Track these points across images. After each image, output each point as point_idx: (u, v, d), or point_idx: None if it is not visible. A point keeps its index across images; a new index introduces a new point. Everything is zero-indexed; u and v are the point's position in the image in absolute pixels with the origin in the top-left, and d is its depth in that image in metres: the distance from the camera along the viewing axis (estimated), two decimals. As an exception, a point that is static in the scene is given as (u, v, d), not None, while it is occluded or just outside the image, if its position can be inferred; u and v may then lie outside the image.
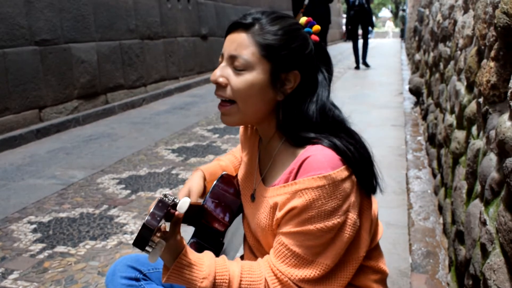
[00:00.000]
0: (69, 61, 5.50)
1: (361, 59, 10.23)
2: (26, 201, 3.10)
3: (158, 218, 0.86)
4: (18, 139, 4.54)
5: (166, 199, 0.90)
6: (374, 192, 1.03)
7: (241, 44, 0.98)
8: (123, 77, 6.51)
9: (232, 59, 0.98)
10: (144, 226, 0.85)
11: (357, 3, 9.77)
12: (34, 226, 2.71)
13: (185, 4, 8.19)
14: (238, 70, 0.98)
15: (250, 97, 0.98)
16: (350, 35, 23.33)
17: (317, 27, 1.04)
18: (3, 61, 4.60)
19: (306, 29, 1.03)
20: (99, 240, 2.51)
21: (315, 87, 1.01)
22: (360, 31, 10.39)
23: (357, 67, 10.14)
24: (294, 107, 1.00)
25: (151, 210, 0.87)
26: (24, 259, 2.34)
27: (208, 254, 0.99)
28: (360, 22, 10.07)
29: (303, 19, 1.04)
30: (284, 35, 0.98)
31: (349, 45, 19.26)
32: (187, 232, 1.19)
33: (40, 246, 2.47)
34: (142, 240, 0.86)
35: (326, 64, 1.05)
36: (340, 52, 15.08)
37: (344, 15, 23.13)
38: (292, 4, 9.22)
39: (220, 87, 1.00)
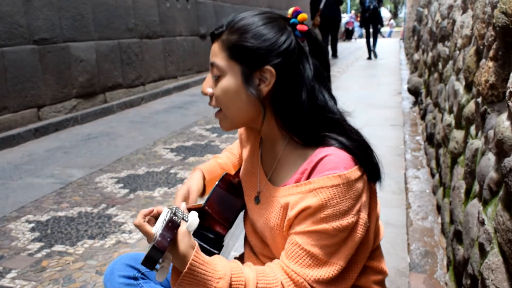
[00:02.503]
0: (68, 60, 5.49)
1: (372, 49, 12.28)
2: (24, 200, 3.09)
3: (168, 239, 0.86)
4: (17, 138, 4.53)
5: (175, 217, 0.89)
6: (379, 179, 1.02)
7: (214, 52, 1.00)
8: (121, 76, 6.51)
9: (212, 68, 1.00)
10: (154, 247, 0.85)
11: (371, 7, 11.87)
12: (32, 225, 2.71)
13: (184, 3, 8.18)
14: (216, 78, 0.99)
15: (229, 102, 0.99)
16: (349, 35, 24.29)
17: (302, 16, 1.00)
18: (2, 60, 4.59)
19: (292, 20, 1.00)
20: (97, 239, 2.51)
21: (300, 79, 0.97)
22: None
23: (370, 58, 12.13)
24: (283, 102, 0.98)
25: (161, 232, 0.86)
26: (22, 258, 2.33)
27: (217, 256, 0.97)
28: (372, 22, 12.21)
29: (290, 10, 1.02)
30: (248, 33, 0.96)
31: (348, 44, 19.37)
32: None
33: (38, 245, 2.46)
34: (152, 261, 0.86)
35: (317, 53, 1.02)
36: (340, 51, 15.03)
37: (344, 16, 23.23)
38: (310, 7, 10.72)
39: (210, 97, 1.02)
